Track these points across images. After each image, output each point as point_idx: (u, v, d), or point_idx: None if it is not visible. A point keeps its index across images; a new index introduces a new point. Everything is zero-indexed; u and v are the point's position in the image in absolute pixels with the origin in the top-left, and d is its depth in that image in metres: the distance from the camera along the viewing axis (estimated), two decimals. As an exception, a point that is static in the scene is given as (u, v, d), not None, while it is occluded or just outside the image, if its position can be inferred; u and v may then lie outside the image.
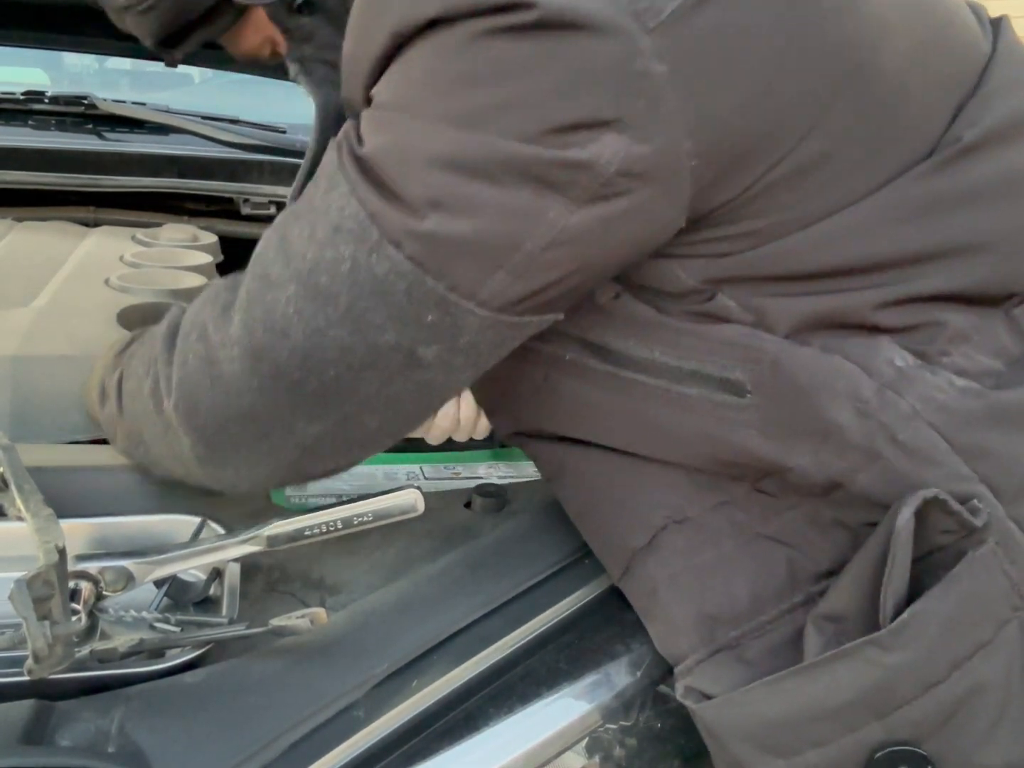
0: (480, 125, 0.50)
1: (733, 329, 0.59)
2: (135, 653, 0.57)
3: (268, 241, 0.59)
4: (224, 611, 0.65)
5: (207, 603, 0.69)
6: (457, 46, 0.50)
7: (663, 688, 0.69)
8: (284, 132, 1.87)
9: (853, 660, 0.55)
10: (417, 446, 1.06)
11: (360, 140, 0.55)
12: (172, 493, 0.78)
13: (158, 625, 0.63)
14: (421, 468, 0.98)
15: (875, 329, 0.58)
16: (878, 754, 0.55)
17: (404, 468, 0.98)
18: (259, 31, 0.83)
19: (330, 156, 0.56)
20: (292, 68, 0.85)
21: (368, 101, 0.57)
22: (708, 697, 0.62)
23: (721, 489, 0.64)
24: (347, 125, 0.57)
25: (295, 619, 0.58)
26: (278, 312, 0.55)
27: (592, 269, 0.56)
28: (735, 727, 0.60)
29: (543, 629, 0.67)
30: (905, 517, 0.53)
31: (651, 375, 0.61)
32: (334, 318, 0.54)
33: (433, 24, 0.50)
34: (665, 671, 0.69)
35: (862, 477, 0.58)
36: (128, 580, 0.62)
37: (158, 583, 0.66)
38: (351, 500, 0.66)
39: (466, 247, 0.51)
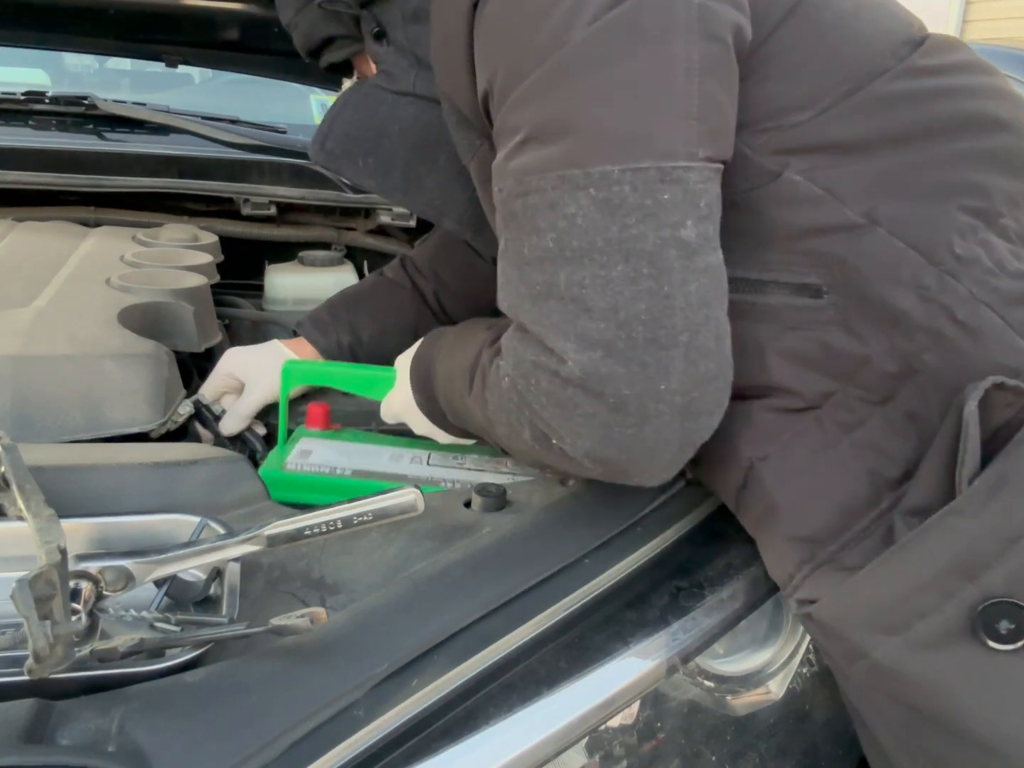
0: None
1: (804, 215, 0.66)
2: (135, 653, 0.57)
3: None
4: (224, 611, 0.65)
5: (207, 603, 0.70)
6: None
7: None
8: (284, 132, 1.87)
9: (937, 532, 0.60)
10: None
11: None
12: (172, 492, 0.78)
13: (158, 625, 0.63)
14: (428, 454, 0.98)
15: (940, 189, 0.66)
16: (979, 608, 0.59)
17: (410, 452, 0.99)
18: (369, 60, 0.96)
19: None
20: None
21: (472, 77, 0.69)
22: (813, 602, 0.68)
23: (795, 419, 0.70)
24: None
25: (295, 619, 0.58)
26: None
27: None
28: (848, 617, 0.65)
29: (543, 629, 0.67)
30: (971, 408, 0.59)
31: (735, 291, 0.66)
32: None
33: None
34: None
35: (928, 357, 0.65)
36: (128, 580, 0.62)
37: (158, 583, 0.66)
38: (350, 500, 0.66)
39: None
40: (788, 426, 0.70)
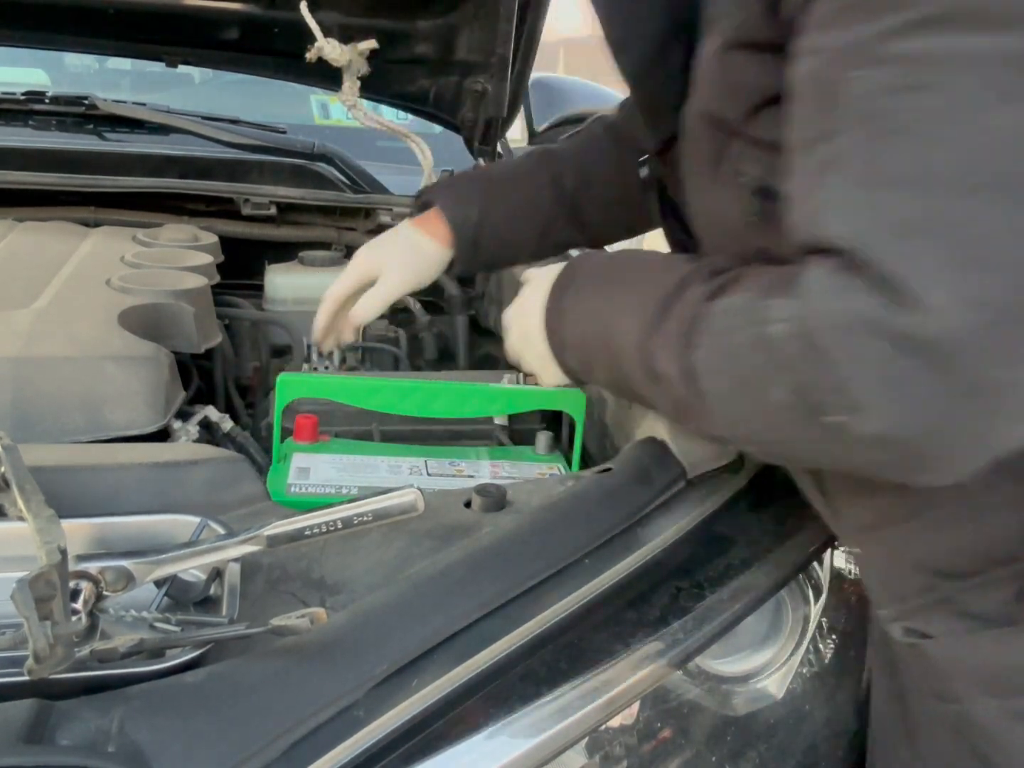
0: None
1: None
2: (135, 653, 0.57)
3: None
4: (224, 611, 0.65)
5: (207, 603, 0.70)
6: None
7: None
8: (284, 132, 1.87)
9: None
10: (423, 438, 1.07)
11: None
12: (172, 493, 0.78)
13: (158, 625, 0.63)
14: (425, 462, 0.98)
15: None
16: None
17: (408, 461, 0.99)
18: None
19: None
20: None
21: None
22: (926, 636, 0.67)
23: None
24: None
25: (295, 619, 0.58)
26: None
27: None
28: (960, 666, 0.65)
29: (543, 629, 0.67)
30: None
31: None
32: None
33: None
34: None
35: None
36: (128, 580, 0.62)
37: (158, 583, 0.66)
38: (351, 499, 0.67)
39: None
40: None
